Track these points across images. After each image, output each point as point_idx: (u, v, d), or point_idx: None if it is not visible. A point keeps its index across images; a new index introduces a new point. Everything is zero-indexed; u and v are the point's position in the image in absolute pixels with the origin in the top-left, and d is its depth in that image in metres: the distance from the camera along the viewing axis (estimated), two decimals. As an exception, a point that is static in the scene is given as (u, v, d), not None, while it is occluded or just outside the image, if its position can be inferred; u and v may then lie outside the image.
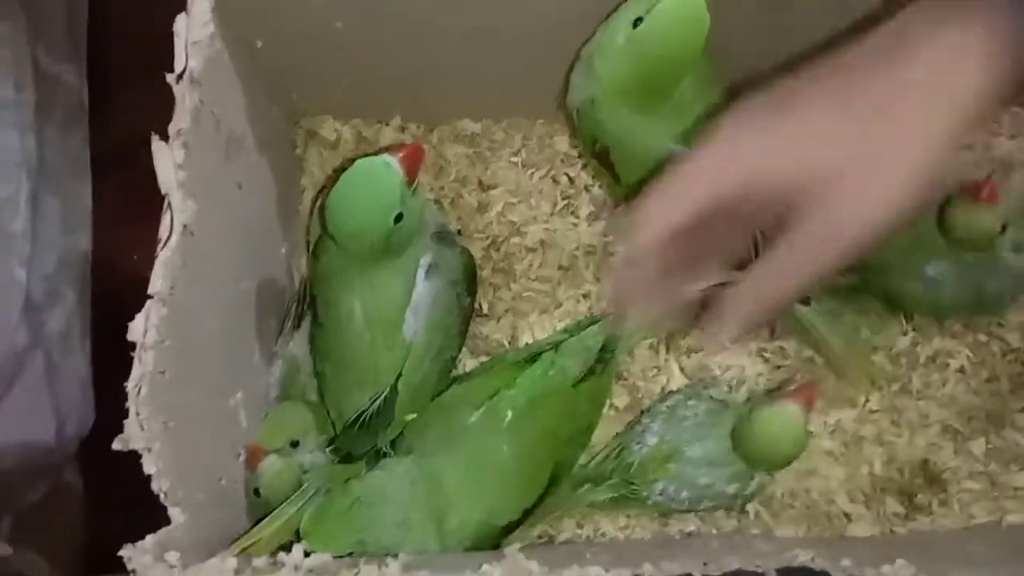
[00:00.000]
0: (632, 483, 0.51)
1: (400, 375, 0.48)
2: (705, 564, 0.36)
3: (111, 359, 0.56)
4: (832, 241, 0.35)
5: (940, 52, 0.33)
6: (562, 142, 0.60)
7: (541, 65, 0.54)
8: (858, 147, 0.34)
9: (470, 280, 0.52)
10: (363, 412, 0.48)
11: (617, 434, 0.54)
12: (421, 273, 0.49)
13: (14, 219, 0.52)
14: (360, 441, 0.48)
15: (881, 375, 0.55)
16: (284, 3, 0.47)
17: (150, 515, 0.36)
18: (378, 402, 0.47)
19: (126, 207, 0.60)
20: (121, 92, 0.62)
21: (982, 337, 0.56)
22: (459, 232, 0.58)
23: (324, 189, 0.55)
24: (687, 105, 0.48)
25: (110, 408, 0.56)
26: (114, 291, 0.58)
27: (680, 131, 0.48)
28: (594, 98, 0.49)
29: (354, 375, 0.49)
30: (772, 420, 0.48)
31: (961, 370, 0.56)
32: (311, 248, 0.53)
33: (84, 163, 0.60)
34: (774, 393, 0.51)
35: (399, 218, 0.46)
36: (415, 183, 0.47)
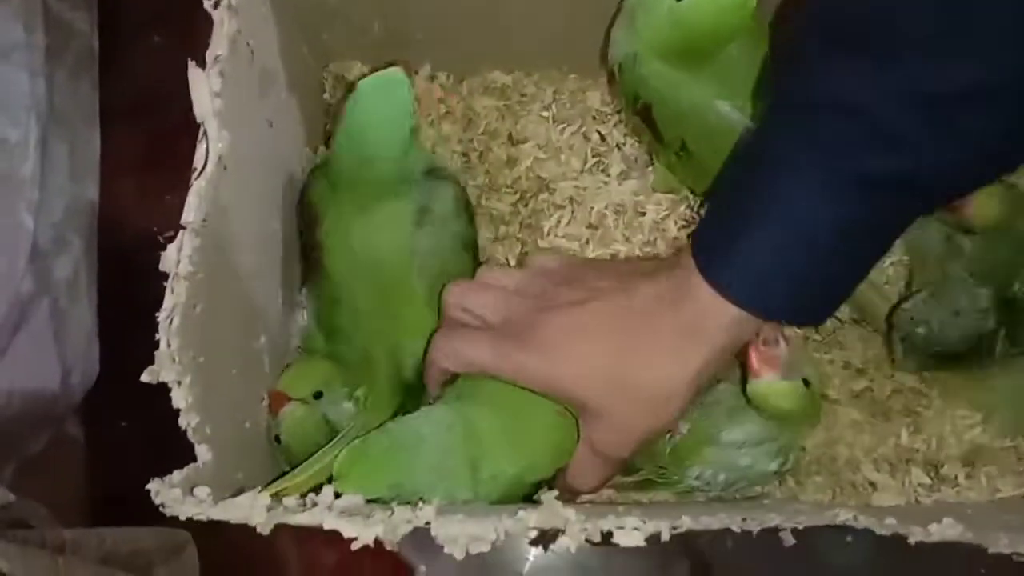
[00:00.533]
0: (663, 469, 0.49)
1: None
2: (744, 520, 0.35)
3: (114, 313, 0.56)
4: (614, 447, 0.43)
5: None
6: (594, 98, 0.59)
7: (576, 17, 0.53)
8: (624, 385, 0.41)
9: (465, 211, 0.51)
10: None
11: None
12: (412, 220, 0.48)
13: (23, 164, 0.51)
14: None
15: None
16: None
17: (154, 470, 0.35)
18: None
19: (133, 159, 0.59)
20: (131, 44, 0.62)
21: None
22: (488, 185, 0.57)
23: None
24: (734, 64, 0.46)
25: (112, 363, 0.56)
26: (120, 243, 0.57)
27: (727, 90, 0.47)
28: (637, 54, 0.48)
29: (376, 323, 0.48)
30: (761, 395, 0.44)
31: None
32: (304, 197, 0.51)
33: (93, 111, 0.59)
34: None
35: (412, 132, 0.47)
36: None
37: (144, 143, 0.60)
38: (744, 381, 0.44)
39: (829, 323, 0.54)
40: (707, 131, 0.48)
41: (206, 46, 0.39)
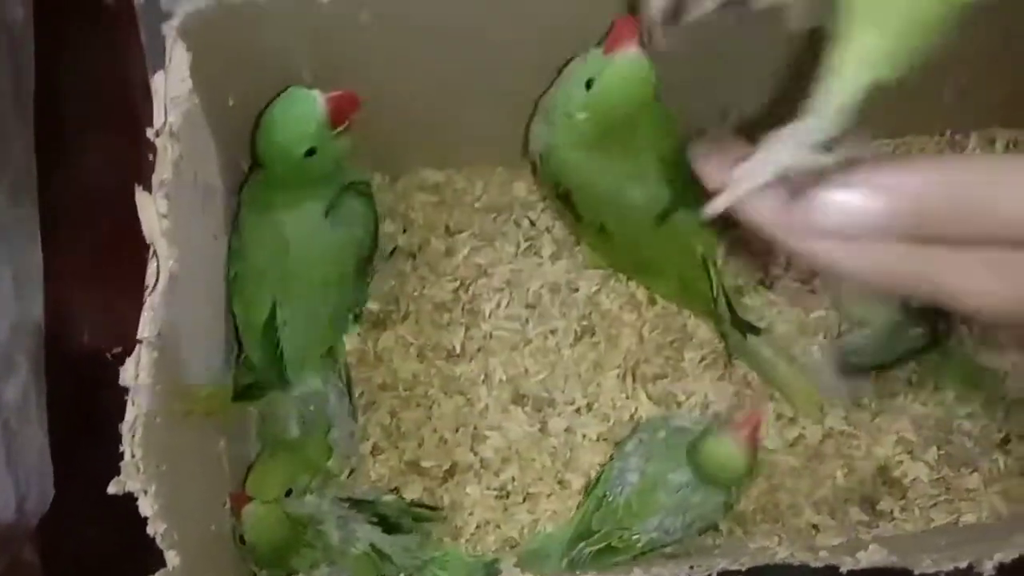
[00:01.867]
0: (624, 529, 0.51)
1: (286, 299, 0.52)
2: (692, 568, 0.38)
3: (66, 428, 0.56)
4: None
5: None
6: (520, 187, 0.63)
7: (499, 115, 0.57)
8: None
9: (371, 229, 0.56)
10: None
11: (588, 491, 0.55)
12: (320, 214, 0.52)
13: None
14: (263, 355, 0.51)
15: (826, 401, 0.57)
16: (254, 60, 0.49)
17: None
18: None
19: (77, 271, 0.60)
20: (72, 150, 0.63)
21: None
22: (429, 276, 0.60)
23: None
24: (643, 147, 0.51)
25: (68, 479, 0.56)
26: (68, 357, 0.58)
27: (638, 173, 0.51)
28: (554, 146, 0.53)
29: (258, 279, 0.52)
30: (713, 449, 0.49)
31: (909, 382, 0.59)
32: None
33: (34, 229, 0.60)
34: (723, 422, 0.53)
35: (311, 152, 0.49)
36: (341, 127, 0.50)
37: (88, 254, 0.61)
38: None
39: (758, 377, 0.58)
40: (623, 213, 0.52)
41: (146, 153, 0.42)
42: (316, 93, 0.49)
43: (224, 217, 0.51)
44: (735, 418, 0.52)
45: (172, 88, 0.43)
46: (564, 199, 0.54)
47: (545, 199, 0.61)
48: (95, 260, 0.61)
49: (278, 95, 0.49)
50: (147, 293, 0.40)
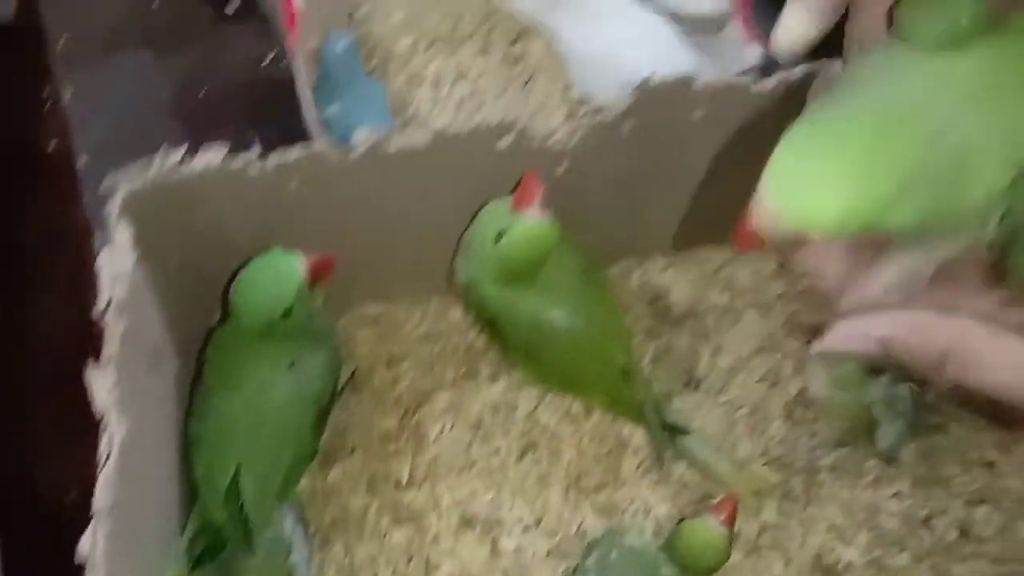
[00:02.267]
0: None
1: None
2: None
3: None
4: None
5: None
6: (456, 314, 0.66)
7: (429, 251, 0.61)
8: None
9: (332, 381, 0.58)
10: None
11: None
12: (283, 371, 0.54)
13: None
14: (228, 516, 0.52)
15: (765, 486, 0.61)
16: (194, 228, 0.53)
17: None
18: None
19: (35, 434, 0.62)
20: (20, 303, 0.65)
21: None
22: (374, 408, 0.63)
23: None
24: (555, 277, 0.55)
25: None
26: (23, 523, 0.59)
27: (555, 300, 0.56)
28: (475, 279, 0.57)
29: (221, 442, 0.53)
30: (693, 534, 0.53)
31: (834, 471, 0.63)
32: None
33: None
34: (700, 509, 0.57)
35: (287, 312, 0.52)
36: (315, 286, 0.53)
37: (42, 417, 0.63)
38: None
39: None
40: (544, 338, 0.56)
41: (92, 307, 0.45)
42: (298, 258, 0.52)
43: (174, 379, 0.54)
44: (712, 504, 0.55)
45: (116, 265, 0.46)
46: (490, 326, 0.58)
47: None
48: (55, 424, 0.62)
49: (249, 260, 0.52)
50: (100, 466, 0.42)
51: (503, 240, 0.53)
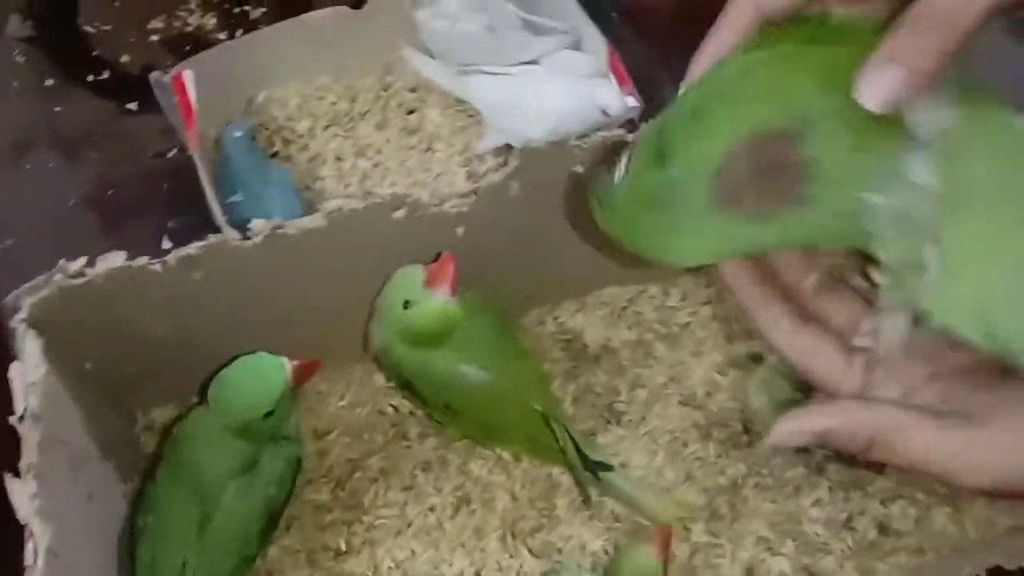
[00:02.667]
0: None
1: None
2: None
3: None
4: None
5: None
6: (379, 379, 0.68)
7: (344, 323, 0.63)
8: None
9: (286, 486, 0.58)
10: None
11: None
12: (240, 470, 0.55)
13: None
14: None
15: (689, 512, 0.63)
16: (104, 328, 0.54)
17: None
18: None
19: None
20: None
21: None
22: (308, 477, 0.64)
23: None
24: (465, 335, 0.57)
25: None
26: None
27: (467, 357, 0.58)
28: (388, 343, 0.59)
29: (169, 535, 0.54)
30: (629, 563, 0.55)
31: (756, 486, 0.65)
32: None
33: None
34: (634, 541, 0.58)
35: (269, 414, 0.53)
36: (297, 389, 0.54)
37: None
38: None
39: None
40: (460, 394, 0.59)
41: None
42: (284, 361, 0.53)
43: (101, 481, 0.54)
44: (649, 533, 0.57)
45: (27, 375, 0.47)
46: (408, 388, 0.60)
47: (401, 387, 0.67)
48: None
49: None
50: (28, 574, 0.43)
51: (410, 311, 0.56)
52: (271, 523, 0.58)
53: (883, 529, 0.64)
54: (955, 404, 0.36)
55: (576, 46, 0.79)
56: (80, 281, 0.50)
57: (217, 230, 0.59)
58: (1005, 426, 0.34)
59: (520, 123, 0.76)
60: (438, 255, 0.57)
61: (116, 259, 0.50)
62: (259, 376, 0.53)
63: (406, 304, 0.56)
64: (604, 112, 0.72)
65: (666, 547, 0.55)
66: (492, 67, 0.79)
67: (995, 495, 0.35)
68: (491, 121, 0.79)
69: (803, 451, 0.66)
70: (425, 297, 0.55)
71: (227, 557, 0.55)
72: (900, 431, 0.35)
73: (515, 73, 0.78)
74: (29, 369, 0.47)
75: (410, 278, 0.57)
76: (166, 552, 0.53)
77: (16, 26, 0.92)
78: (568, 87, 0.75)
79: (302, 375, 0.54)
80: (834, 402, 0.38)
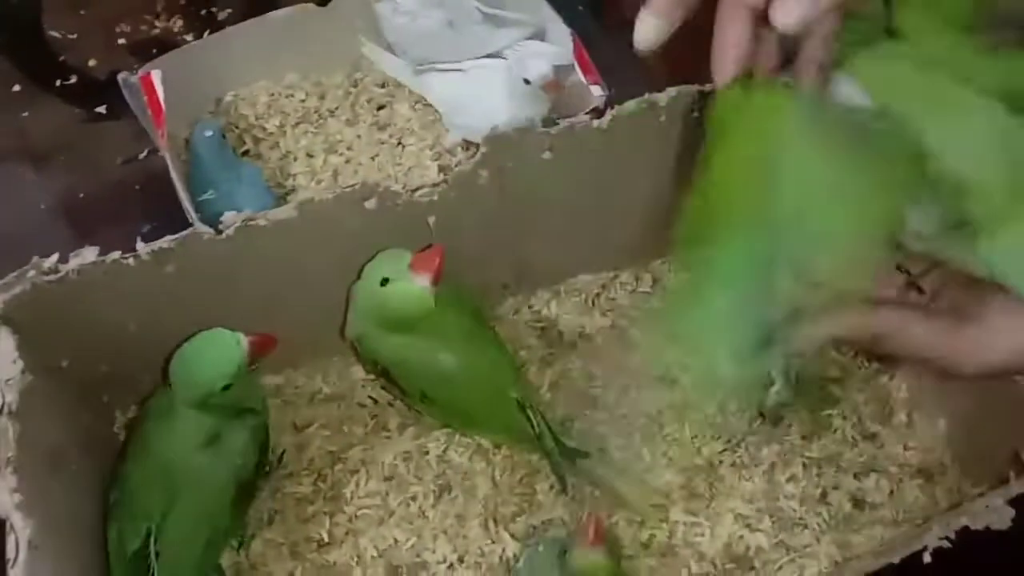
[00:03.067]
0: None
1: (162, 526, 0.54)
2: None
3: None
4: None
5: None
6: (357, 371, 0.69)
7: (319, 315, 0.63)
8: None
9: (252, 457, 0.58)
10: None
11: None
12: (201, 444, 0.55)
13: None
14: None
15: (663, 497, 0.64)
16: (78, 323, 0.54)
17: None
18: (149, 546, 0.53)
19: None
20: None
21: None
22: (288, 470, 0.64)
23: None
24: (441, 322, 0.58)
25: None
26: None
27: (443, 343, 0.59)
28: (364, 331, 0.59)
29: (136, 507, 0.54)
30: (580, 564, 0.55)
31: (732, 464, 0.67)
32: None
33: None
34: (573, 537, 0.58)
35: (227, 387, 0.54)
36: (255, 365, 0.54)
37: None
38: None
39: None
40: (437, 379, 0.59)
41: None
42: (240, 336, 0.54)
43: (80, 476, 0.54)
44: (582, 529, 0.57)
45: (3, 371, 0.47)
46: (385, 375, 0.61)
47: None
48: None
49: (191, 336, 0.54)
50: (9, 566, 0.43)
51: (387, 288, 0.56)
52: (243, 494, 0.58)
53: (857, 503, 0.66)
54: (950, 304, 0.45)
55: (541, 38, 0.80)
56: (53, 277, 0.50)
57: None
58: (987, 326, 0.43)
59: (472, 119, 0.77)
60: (428, 246, 0.58)
61: (89, 255, 0.50)
62: (216, 350, 0.54)
63: (384, 281, 0.56)
64: (525, 80, 0.73)
65: (600, 537, 0.56)
66: (444, 64, 0.79)
67: (978, 379, 0.44)
68: (445, 118, 0.79)
69: (777, 426, 0.67)
70: (407, 278, 0.56)
71: (200, 527, 0.55)
72: (899, 328, 0.43)
73: (466, 69, 0.79)
74: (5, 365, 0.48)
75: (395, 258, 0.57)
76: (132, 525, 0.54)
77: (-19, 33, 0.92)
78: (512, 84, 0.75)
79: (258, 349, 0.54)
80: (842, 311, 0.44)
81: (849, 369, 0.72)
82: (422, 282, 0.56)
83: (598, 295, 0.74)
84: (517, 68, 0.73)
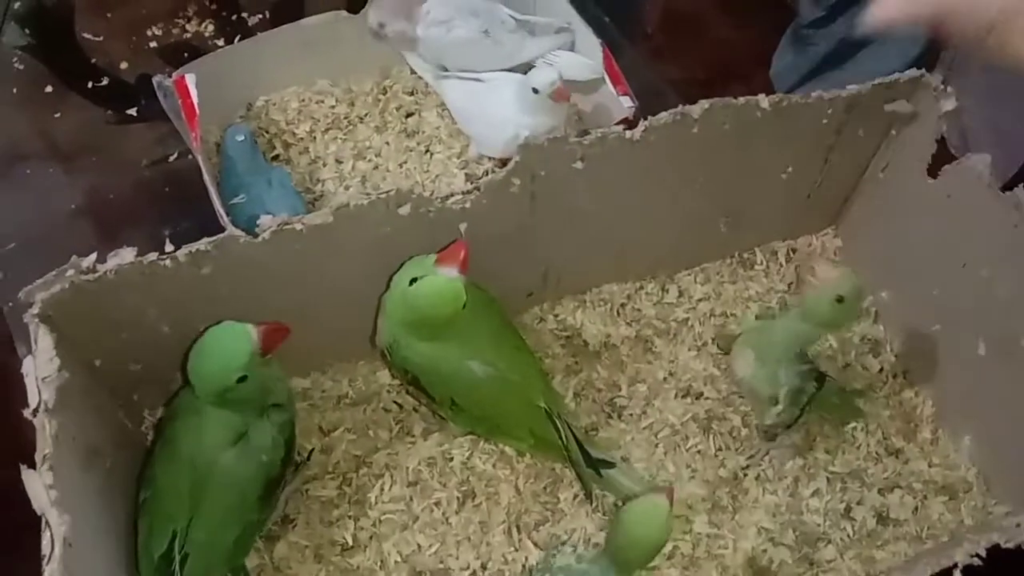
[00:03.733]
0: None
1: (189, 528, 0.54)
2: None
3: None
4: None
5: None
6: (384, 376, 0.69)
7: (350, 317, 0.64)
8: None
9: (280, 454, 0.58)
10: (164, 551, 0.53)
11: None
12: (229, 443, 0.55)
13: None
14: None
15: (687, 509, 0.64)
16: (113, 323, 0.55)
17: None
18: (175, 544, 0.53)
19: None
20: None
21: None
22: (313, 472, 0.64)
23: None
24: (470, 330, 0.58)
25: None
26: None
27: (473, 351, 0.59)
28: (395, 338, 0.59)
29: (162, 508, 0.54)
30: (642, 509, 0.55)
31: (757, 477, 0.67)
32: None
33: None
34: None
35: (243, 379, 0.53)
36: (270, 354, 0.54)
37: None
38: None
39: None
40: (467, 387, 0.59)
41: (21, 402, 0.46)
42: (249, 327, 0.53)
43: (114, 474, 0.54)
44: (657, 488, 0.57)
45: (41, 369, 0.48)
46: (415, 383, 0.61)
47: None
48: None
49: (205, 330, 0.54)
50: (44, 562, 0.43)
51: (415, 286, 0.56)
52: (270, 488, 0.58)
53: (882, 518, 0.66)
54: None
55: (571, 47, 0.80)
56: (91, 277, 0.50)
57: (219, 233, 0.60)
58: None
59: (483, 128, 0.78)
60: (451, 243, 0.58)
61: (127, 255, 0.50)
62: (226, 342, 0.54)
63: (412, 281, 0.56)
64: (533, 90, 0.72)
65: (671, 498, 0.55)
66: (463, 73, 0.80)
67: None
68: (460, 126, 0.80)
69: (773, 441, 0.67)
70: (431, 272, 0.56)
71: (229, 525, 0.56)
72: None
73: (485, 80, 0.79)
74: (43, 363, 0.48)
75: (421, 262, 0.57)
76: (159, 524, 0.54)
77: (15, 35, 0.93)
78: (522, 96, 0.75)
79: (270, 340, 0.54)
80: None
81: (874, 384, 0.72)
82: (450, 273, 0.55)
83: (623, 305, 0.74)
84: (527, 79, 0.73)
